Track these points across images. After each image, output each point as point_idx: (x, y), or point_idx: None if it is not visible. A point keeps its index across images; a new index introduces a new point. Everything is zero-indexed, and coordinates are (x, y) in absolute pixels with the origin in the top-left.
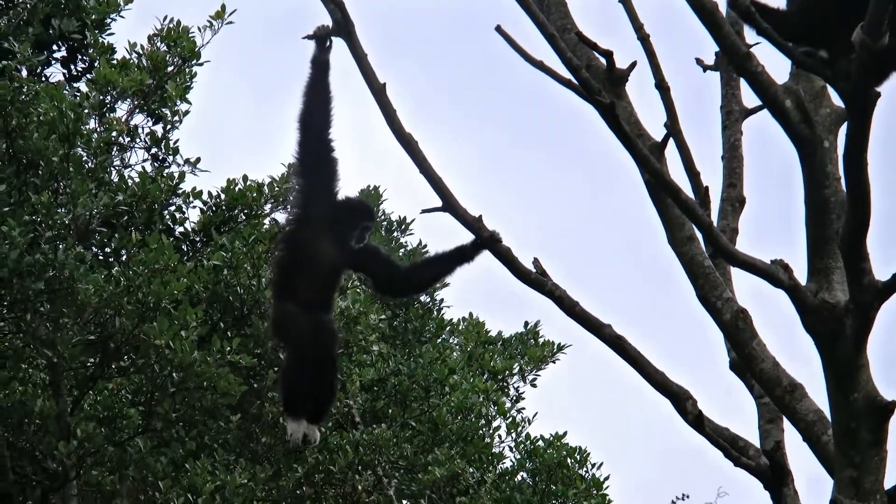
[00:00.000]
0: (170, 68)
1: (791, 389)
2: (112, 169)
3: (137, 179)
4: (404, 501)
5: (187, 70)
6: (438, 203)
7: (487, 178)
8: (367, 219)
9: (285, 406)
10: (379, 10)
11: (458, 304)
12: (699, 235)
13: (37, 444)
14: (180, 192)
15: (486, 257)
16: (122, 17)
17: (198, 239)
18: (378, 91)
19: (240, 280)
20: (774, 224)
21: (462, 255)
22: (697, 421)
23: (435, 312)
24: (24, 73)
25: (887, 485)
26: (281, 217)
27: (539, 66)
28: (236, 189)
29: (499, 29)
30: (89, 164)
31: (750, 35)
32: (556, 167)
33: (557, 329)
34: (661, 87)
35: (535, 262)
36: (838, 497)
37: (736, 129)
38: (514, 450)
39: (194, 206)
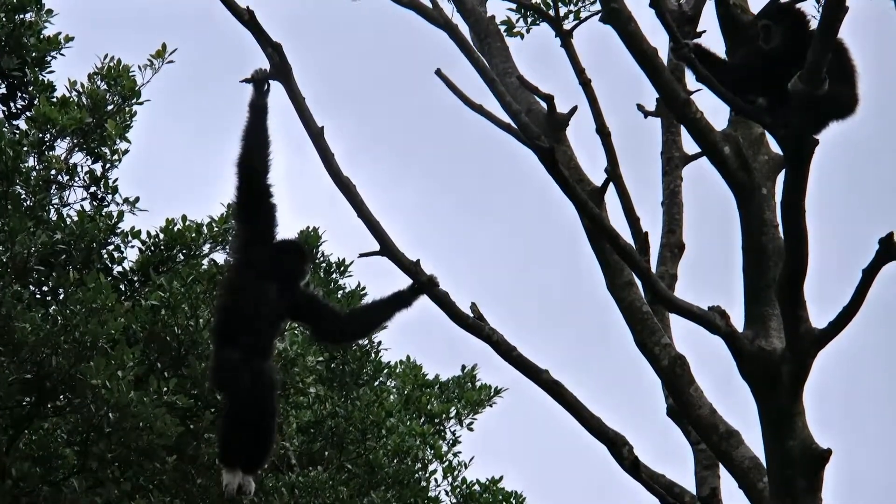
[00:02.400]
0: (109, 107)
1: (727, 436)
2: (51, 207)
3: (76, 218)
4: None
5: (127, 109)
6: (377, 247)
7: (425, 223)
8: (304, 261)
9: (222, 456)
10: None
11: (395, 347)
12: (638, 281)
13: None
14: (119, 231)
15: (424, 301)
16: (62, 55)
17: (136, 279)
18: (316, 134)
19: (177, 320)
20: (713, 270)
21: (400, 301)
22: (633, 467)
23: (372, 355)
24: None
25: None
26: (220, 257)
27: (479, 110)
28: (175, 229)
29: (439, 73)
30: (28, 201)
31: (690, 82)
32: (496, 212)
33: (494, 373)
34: (602, 132)
35: (473, 306)
36: None
37: (676, 176)
38: (450, 494)
39: (133, 246)
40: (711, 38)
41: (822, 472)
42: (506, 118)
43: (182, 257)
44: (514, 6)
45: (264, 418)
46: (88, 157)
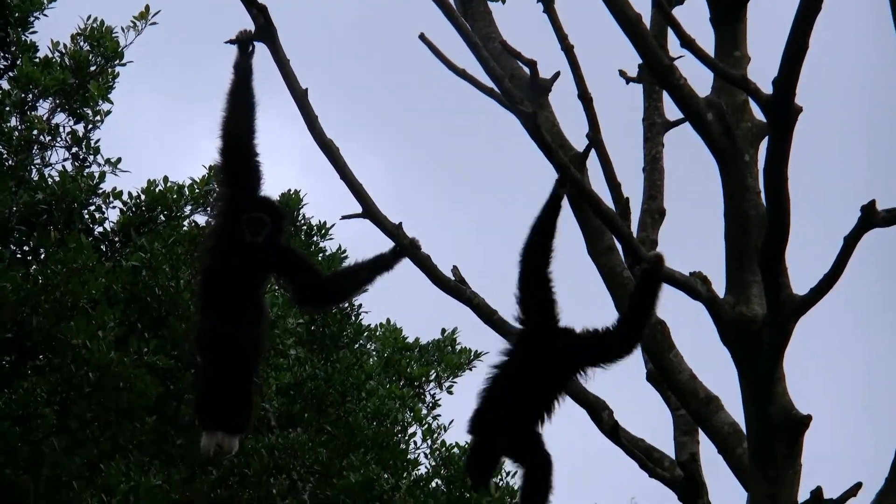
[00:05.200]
0: (92, 68)
1: (707, 401)
2: (32, 167)
3: (58, 178)
4: None
5: (110, 70)
6: (359, 210)
7: (408, 187)
8: (281, 218)
9: (199, 419)
10: (303, 17)
11: (375, 310)
12: (619, 246)
13: None
14: (100, 192)
15: (405, 264)
16: (45, 15)
17: (117, 239)
18: (300, 96)
19: (158, 281)
20: (694, 237)
21: (382, 263)
22: (613, 431)
23: (353, 318)
24: None
25: (801, 498)
26: (201, 219)
27: (462, 74)
28: (157, 190)
29: (422, 37)
30: (9, 161)
31: (674, 48)
32: (478, 177)
33: (475, 336)
34: (584, 97)
35: (455, 270)
36: None
37: (657, 142)
38: (429, 456)
39: (114, 207)
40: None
41: (802, 437)
42: (489, 83)
43: (163, 219)
44: None
45: (244, 382)
46: (71, 117)
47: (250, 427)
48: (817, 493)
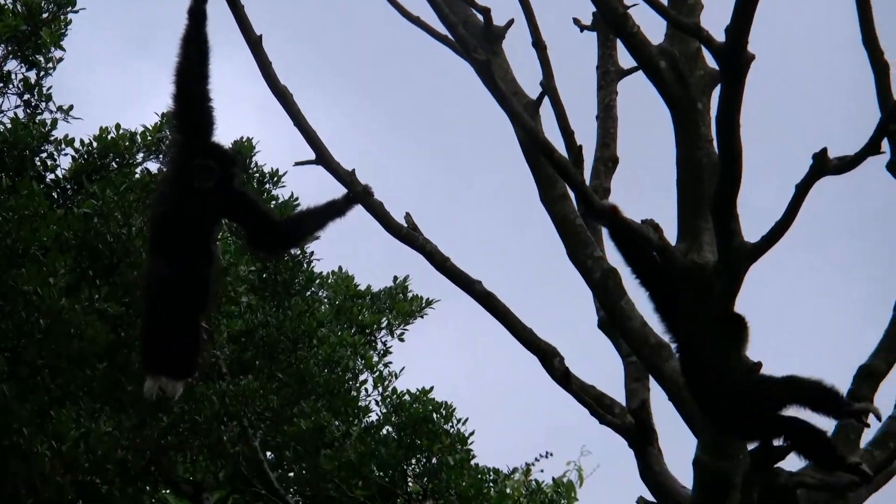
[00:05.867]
0: (45, 14)
1: (658, 349)
2: None
3: (9, 125)
4: (269, 453)
5: (62, 17)
6: (312, 156)
7: (361, 135)
8: (231, 164)
9: (143, 363)
10: None
11: (327, 258)
12: (572, 194)
13: None
14: (52, 139)
15: (358, 211)
16: None
17: (69, 186)
18: (254, 42)
19: (110, 229)
20: (646, 185)
21: (334, 210)
22: (564, 378)
23: (304, 265)
24: None
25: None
26: (153, 166)
27: (416, 21)
28: (109, 137)
29: None
30: None
31: None
32: (431, 124)
33: (427, 284)
34: (538, 45)
35: (407, 217)
36: (702, 457)
37: (611, 90)
38: (380, 404)
39: (66, 154)
40: None
41: None
42: (443, 30)
43: (115, 166)
44: None
45: (190, 327)
46: (23, 64)
47: (196, 373)
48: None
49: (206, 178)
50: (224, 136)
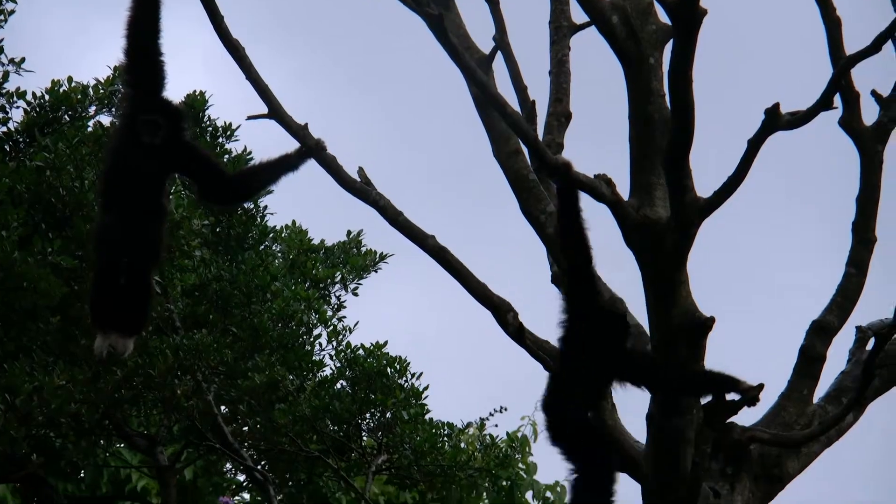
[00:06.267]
0: None
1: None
2: None
3: None
4: (223, 407)
5: None
6: (265, 110)
7: (315, 90)
8: (180, 118)
9: (93, 319)
10: None
11: (281, 212)
12: (525, 149)
13: None
14: (4, 91)
15: (311, 165)
16: None
17: (21, 139)
18: None
19: (63, 182)
20: (599, 140)
21: (287, 163)
22: (518, 333)
23: (258, 219)
24: None
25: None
26: (105, 120)
27: None
28: (61, 90)
29: None
30: None
31: None
32: (385, 80)
33: (381, 239)
34: (491, 0)
35: (360, 171)
36: (655, 412)
37: (564, 45)
38: (334, 358)
39: (18, 107)
40: None
41: (705, 339)
42: None
43: (68, 119)
44: None
45: (139, 282)
46: None
47: (146, 329)
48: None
49: (153, 133)
50: (176, 90)
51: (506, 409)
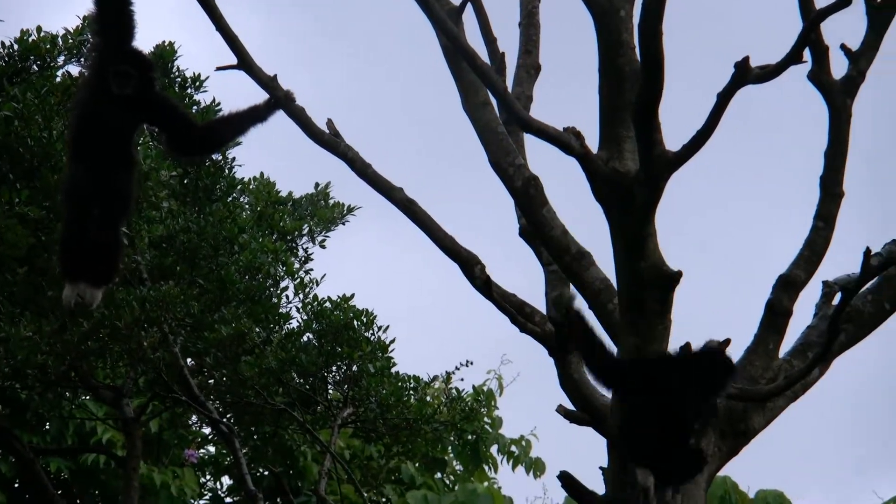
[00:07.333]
0: None
1: (579, 257)
2: None
3: None
4: (189, 359)
5: None
6: (234, 61)
7: (283, 42)
8: (149, 68)
9: (61, 269)
10: None
11: (249, 164)
12: (494, 101)
13: None
14: None
15: (279, 117)
16: None
17: None
18: None
19: (31, 132)
20: (569, 92)
21: (256, 115)
22: (485, 286)
23: (226, 171)
24: None
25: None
26: (75, 70)
27: None
28: (30, 40)
29: None
30: None
31: None
32: (354, 32)
33: (349, 191)
34: None
35: (329, 122)
36: None
37: None
38: (301, 311)
39: None
40: None
41: (672, 293)
42: None
43: (36, 69)
44: None
45: (108, 231)
46: None
47: (115, 280)
48: (685, 347)
49: (124, 83)
50: (145, 40)
51: (472, 364)
